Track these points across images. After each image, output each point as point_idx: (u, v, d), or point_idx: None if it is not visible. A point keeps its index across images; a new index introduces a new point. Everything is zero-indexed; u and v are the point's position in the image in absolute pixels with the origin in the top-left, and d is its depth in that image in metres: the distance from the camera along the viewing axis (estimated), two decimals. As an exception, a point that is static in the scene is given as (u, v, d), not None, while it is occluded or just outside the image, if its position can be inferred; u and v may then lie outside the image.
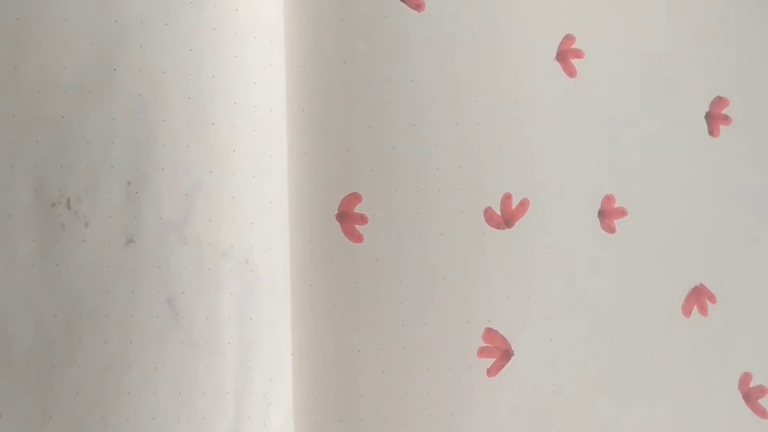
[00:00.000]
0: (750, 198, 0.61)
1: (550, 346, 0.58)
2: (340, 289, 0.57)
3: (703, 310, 0.60)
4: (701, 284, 0.60)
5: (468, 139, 0.59)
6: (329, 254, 0.57)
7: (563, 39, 0.61)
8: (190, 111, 0.52)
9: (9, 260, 0.51)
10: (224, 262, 0.52)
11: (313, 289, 0.56)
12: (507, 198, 0.59)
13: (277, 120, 0.55)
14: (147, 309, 0.50)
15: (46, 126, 0.51)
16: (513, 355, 0.58)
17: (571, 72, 0.60)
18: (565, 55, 0.61)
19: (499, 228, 0.58)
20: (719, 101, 0.62)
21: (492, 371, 0.57)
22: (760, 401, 0.60)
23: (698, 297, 0.60)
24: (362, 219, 0.57)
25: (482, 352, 0.57)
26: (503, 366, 0.57)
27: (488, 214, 0.58)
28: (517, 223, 0.59)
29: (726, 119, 0.62)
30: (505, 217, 0.59)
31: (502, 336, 0.58)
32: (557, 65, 0.60)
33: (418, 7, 0.59)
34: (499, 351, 0.57)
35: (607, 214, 0.60)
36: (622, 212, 0.60)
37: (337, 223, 0.57)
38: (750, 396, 0.59)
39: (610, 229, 0.60)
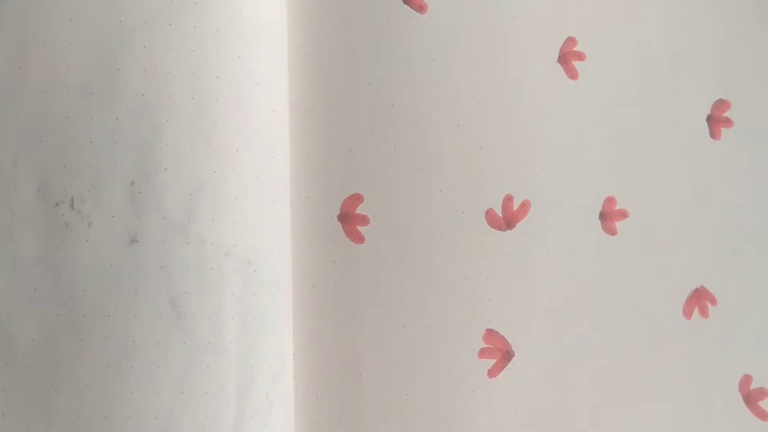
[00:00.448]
0: (751, 200, 0.61)
1: (550, 347, 0.58)
2: (342, 290, 0.57)
3: (704, 312, 0.60)
4: (702, 286, 0.60)
5: (469, 141, 0.59)
6: (331, 255, 0.57)
7: (565, 41, 0.61)
8: (193, 111, 0.52)
9: (12, 259, 0.51)
10: (227, 262, 0.52)
11: (315, 290, 0.57)
12: (508, 199, 0.59)
13: (280, 121, 0.55)
14: (150, 309, 0.50)
15: (50, 126, 0.51)
16: (514, 356, 0.58)
17: (572, 74, 0.60)
18: (567, 57, 0.61)
19: (500, 229, 0.59)
20: (721, 104, 0.62)
21: (493, 372, 0.57)
22: (761, 403, 0.60)
23: (699, 299, 0.60)
24: (364, 220, 0.57)
25: (483, 353, 0.57)
26: (504, 367, 0.58)
27: (490, 215, 0.58)
28: (518, 225, 0.59)
29: (727, 122, 0.62)
30: (506, 218, 0.59)
31: (503, 337, 0.58)
32: (559, 67, 0.60)
33: (420, 8, 0.59)
34: (500, 352, 0.58)
35: (609, 216, 0.60)
36: (623, 214, 0.60)
37: (339, 224, 0.57)
38: (750, 398, 0.60)
39: (612, 231, 0.60)
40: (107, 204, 0.51)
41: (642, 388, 0.59)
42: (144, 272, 0.51)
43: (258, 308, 0.52)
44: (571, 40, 0.61)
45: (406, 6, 0.59)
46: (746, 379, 0.60)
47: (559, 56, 0.61)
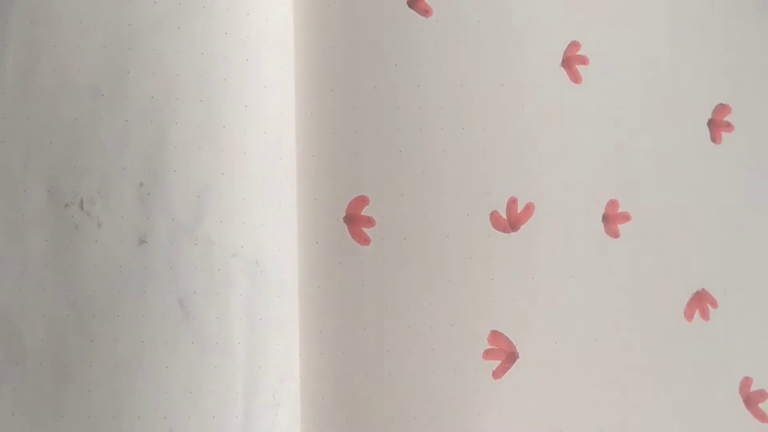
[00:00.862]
0: (752, 204, 0.61)
1: (555, 348, 0.58)
2: (347, 291, 0.57)
3: (705, 315, 0.60)
4: (703, 289, 0.60)
5: (474, 144, 0.59)
6: (336, 256, 0.57)
7: (569, 45, 0.61)
8: (201, 113, 0.52)
9: (22, 260, 0.51)
10: (235, 262, 0.52)
11: (321, 291, 0.57)
12: (513, 202, 0.59)
13: (287, 123, 0.55)
14: (158, 309, 0.51)
15: (59, 127, 0.52)
16: (518, 357, 0.58)
17: (576, 78, 0.61)
18: (571, 61, 0.61)
19: (504, 231, 0.59)
20: (721, 108, 0.62)
21: (497, 373, 0.57)
22: (761, 405, 0.59)
23: (700, 301, 0.60)
24: (369, 222, 0.58)
25: (488, 354, 0.57)
26: (509, 368, 0.58)
27: (494, 217, 0.59)
28: (522, 227, 0.59)
29: (728, 126, 0.62)
30: (510, 220, 0.59)
31: (508, 339, 0.58)
32: (562, 71, 0.61)
33: (426, 12, 0.59)
34: (504, 353, 0.58)
35: (612, 219, 0.60)
36: (626, 217, 0.60)
37: (345, 226, 0.57)
38: (750, 400, 0.60)
39: (614, 234, 0.60)
40: (116, 205, 0.51)
41: (644, 389, 0.59)
42: (152, 273, 0.51)
43: (265, 309, 0.53)
44: (574, 44, 0.61)
45: (411, 10, 0.59)
46: (747, 381, 0.60)
47: (562, 60, 0.61)
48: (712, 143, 0.62)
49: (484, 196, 0.59)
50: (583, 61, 0.61)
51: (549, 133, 0.60)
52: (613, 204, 0.60)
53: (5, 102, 0.52)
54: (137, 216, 0.51)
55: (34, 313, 0.51)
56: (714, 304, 0.60)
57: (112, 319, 0.51)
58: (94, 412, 0.50)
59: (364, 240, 0.57)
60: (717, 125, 0.62)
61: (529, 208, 0.59)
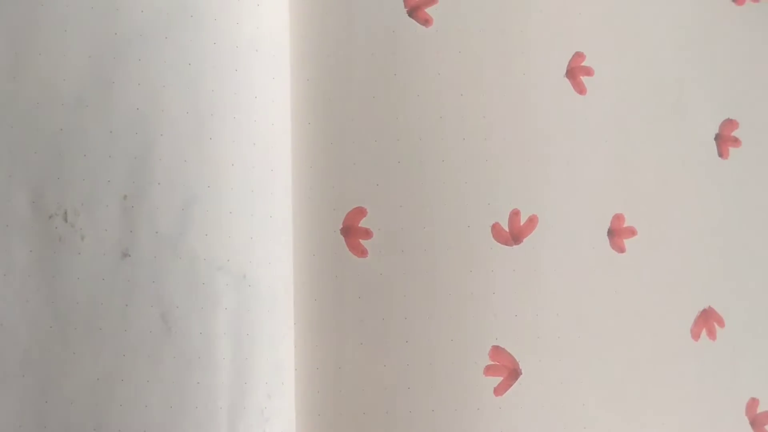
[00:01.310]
0: (759, 220, 0.61)
1: (558, 365, 0.58)
2: (344, 304, 0.57)
3: (712, 334, 0.59)
4: (710, 307, 0.59)
5: (475, 154, 0.58)
6: (333, 269, 0.57)
7: (573, 56, 0.60)
8: (188, 125, 0.52)
9: (5, 271, 0.51)
10: (220, 276, 0.52)
11: (317, 304, 0.56)
12: (515, 214, 0.58)
13: (280, 134, 0.55)
14: (141, 323, 0.51)
15: (44, 138, 0.52)
16: (521, 374, 0.57)
17: (580, 89, 0.60)
18: (575, 72, 0.60)
19: (506, 244, 0.58)
20: (729, 123, 0.61)
21: (499, 390, 0.57)
22: (767, 427, 0.59)
23: (707, 320, 0.59)
24: (367, 233, 0.57)
25: (489, 370, 0.57)
26: (511, 385, 0.57)
27: (496, 229, 0.58)
28: (525, 240, 0.58)
29: (735, 141, 0.61)
30: (513, 233, 0.58)
31: (510, 354, 0.57)
32: (567, 82, 0.60)
33: (426, 22, 0.59)
34: (506, 370, 0.57)
35: (617, 234, 0.59)
36: (631, 232, 0.59)
37: (342, 238, 0.57)
38: (757, 422, 0.59)
39: (620, 249, 0.59)
40: (100, 217, 0.51)
41: (649, 408, 0.58)
42: (135, 286, 0.51)
43: (253, 324, 0.52)
44: (579, 55, 0.60)
45: (411, 19, 0.59)
46: (753, 403, 0.59)
47: (567, 71, 0.60)
48: (720, 158, 0.61)
49: (486, 207, 0.58)
50: (588, 72, 0.60)
51: (553, 144, 0.59)
52: (618, 218, 0.59)
53: (-11, 111, 0.53)
54: (121, 229, 0.51)
55: (16, 324, 0.51)
56: (720, 322, 0.60)
57: (95, 332, 0.51)
58: (76, 424, 0.50)
59: (362, 252, 0.57)
60: (724, 140, 0.61)
61: (532, 221, 0.58)
